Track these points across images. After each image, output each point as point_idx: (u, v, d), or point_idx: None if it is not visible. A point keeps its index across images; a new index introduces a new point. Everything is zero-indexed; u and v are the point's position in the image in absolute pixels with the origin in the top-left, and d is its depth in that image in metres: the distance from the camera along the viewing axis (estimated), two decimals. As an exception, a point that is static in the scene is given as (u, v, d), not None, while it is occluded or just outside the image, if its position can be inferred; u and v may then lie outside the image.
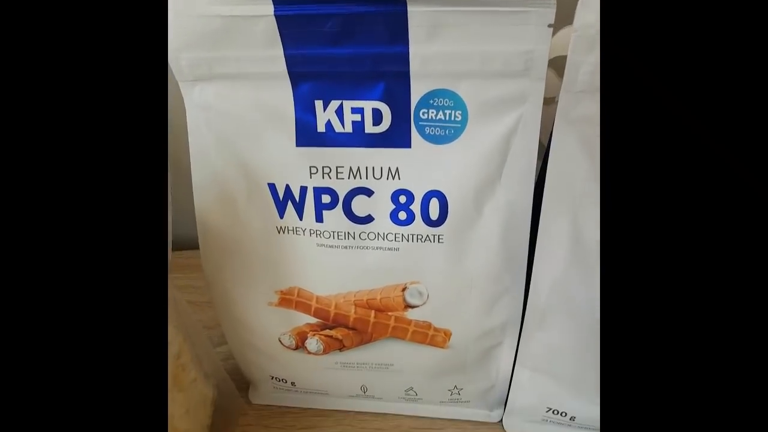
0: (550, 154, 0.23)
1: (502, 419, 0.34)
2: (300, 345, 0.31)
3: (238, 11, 0.22)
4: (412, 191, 0.25)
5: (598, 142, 0.22)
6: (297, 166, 0.25)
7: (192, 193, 0.27)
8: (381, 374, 0.32)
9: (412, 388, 0.33)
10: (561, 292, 0.26)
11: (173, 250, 0.25)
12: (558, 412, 0.32)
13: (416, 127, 0.23)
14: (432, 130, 0.23)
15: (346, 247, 0.27)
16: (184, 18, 0.22)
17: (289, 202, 0.26)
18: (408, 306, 0.28)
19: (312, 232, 0.26)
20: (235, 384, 0.35)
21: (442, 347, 0.30)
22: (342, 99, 0.23)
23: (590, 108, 0.21)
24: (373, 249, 0.27)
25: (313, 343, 0.31)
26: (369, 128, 0.24)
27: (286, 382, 0.34)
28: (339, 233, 0.26)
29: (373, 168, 0.25)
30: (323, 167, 0.25)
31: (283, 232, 0.27)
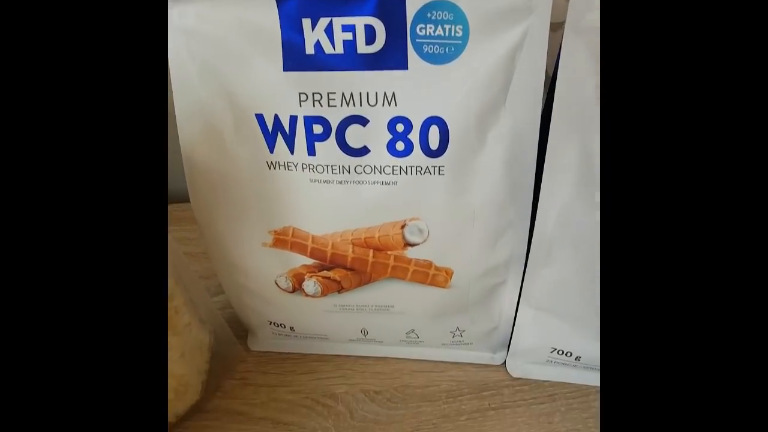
0: (558, 70, 0.22)
1: (505, 361, 0.35)
2: (297, 287, 0.31)
3: None
4: (410, 119, 0.24)
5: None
6: (285, 93, 0.24)
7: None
8: (381, 316, 0.33)
9: (413, 331, 0.34)
10: (567, 221, 0.25)
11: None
12: (563, 353, 0.32)
13: (413, 45, 0.23)
14: (430, 49, 0.22)
15: (341, 182, 0.26)
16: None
17: (279, 135, 0.25)
18: (408, 244, 0.28)
19: (305, 166, 0.26)
20: (234, 333, 0.35)
21: (443, 287, 0.30)
22: (331, 16, 0.22)
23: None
24: (370, 183, 0.26)
25: (310, 285, 0.31)
26: (362, 48, 0.23)
27: (284, 327, 0.35)
28: (333, 167, 0.26)
29: (368, 93, 0.24)
30: (313, 93, 0.24)
31: (275, 168, 0.27)
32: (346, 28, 0.22)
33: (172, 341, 0.28)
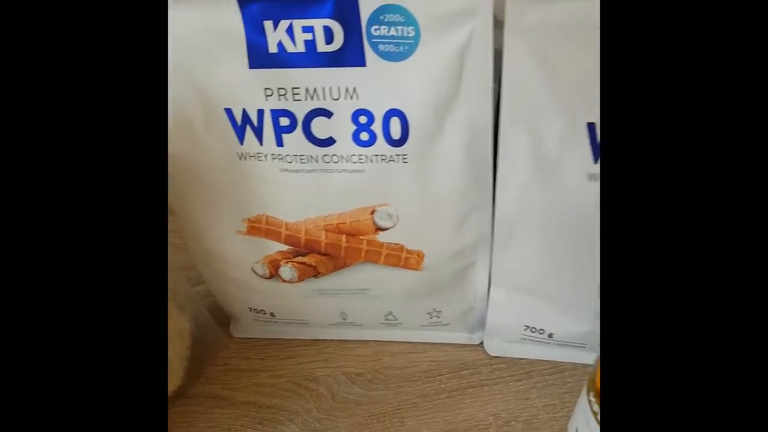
0: (503, 66, 0.25)
1: (483, 341, 0.39)
2: (274, 273, 0.35)
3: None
4: (371, 111, 0.28)
5: (549, 52, 0.24)
6: (251, 89, 0.28)
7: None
8: (359, 299, 0.37)
9: (391, 313, 0.38)
10: (526, 203, 0.29)
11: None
12: (536, 330, 0.36)
13: (369, 44, 0.26)
14: (386, 47, 0.26)
15: (310, 171, 0.30)
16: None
17: (248, 127, 0.29)
18: (378, 229, 0.32)
19: (274, 156, 0.30)
20: (218, 320, 0.39)
21: (416, 269, 0.34)
22: (291, 18, 0.26)
23: (536, 16, 0.24)
24: (338, 172, 0.30)
25: (286, 270, 0.35)
26: (321, 47, 0.26)
27: (265, 313, 0.39)
28: (301, 157, 0.29)
29: (330, 88, 0.27)
30: (278, 89, 0.28)
31: (245, 159, 0.30)
32: (305, 29, 0.26)
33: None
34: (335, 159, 0.30)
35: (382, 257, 0.34)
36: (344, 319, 0.39)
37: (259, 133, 0.29)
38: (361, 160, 0.29)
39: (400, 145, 0.29)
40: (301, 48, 0.26)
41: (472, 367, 0.38)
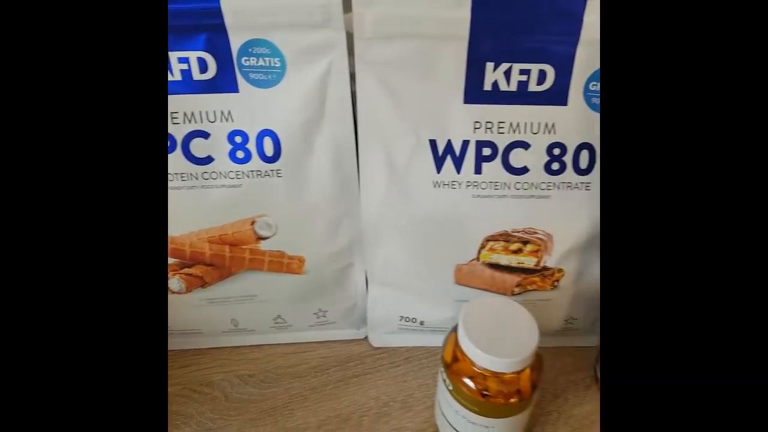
0: (357, 93, 0.32)
1: (367, 335, 0.45)
2: (162, 285, 0.39)
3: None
4: (246, 131, 0.33)
5: (392, 81, 0.31)
6: None
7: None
8: (247, 306, 0.41)
9: (280, 316, 0.43)
10: (385, 209, 0.36)
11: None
12: (409, 319, 0.43)
13: (241, 73, 0.31)
14: (256, 76, 0.31)
15: (191, 188, 0.34)
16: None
17: (130, 150, 0.33)
18: (259, 238, 0.37)
19: None
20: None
21: (299, 273, 0.39)
22: (169, 51, 0.30)
23: (380, 52, 0.30)
24: (218, 188, 0.35)
25: (174, 282, 0.39)
26: (197, 75, 0.31)
27: (155, 325, 0.42)
28: (182, 175, 0.34)
29: (207, 112, 0.32)
30: None
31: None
32: (181, 60, 0.30)
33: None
34: (214, 176, 0.34)
35: (266, 264, 0.39)
36: (236, 326, 0.43)
37: None
38: (239, 176, 0.34)
39: (274, 162, 0.34)
40: (178, 77, 0.31)
41: (357, 359, 0.44)
